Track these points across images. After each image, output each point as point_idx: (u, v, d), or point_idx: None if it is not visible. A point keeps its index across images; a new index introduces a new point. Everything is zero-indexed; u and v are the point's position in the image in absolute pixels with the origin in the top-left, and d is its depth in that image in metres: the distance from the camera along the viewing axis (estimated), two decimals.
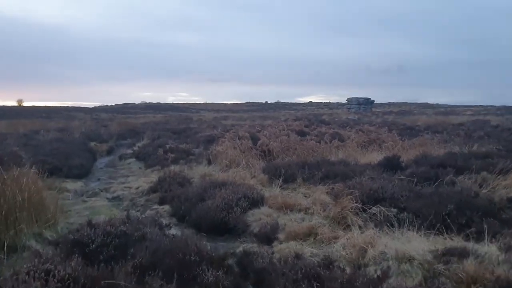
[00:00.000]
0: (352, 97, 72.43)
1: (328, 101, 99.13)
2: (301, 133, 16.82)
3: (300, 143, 15.19)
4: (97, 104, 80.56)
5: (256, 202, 7.46)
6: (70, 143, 16.46)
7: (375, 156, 11.46)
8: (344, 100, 76.43)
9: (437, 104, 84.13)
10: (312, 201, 7.70)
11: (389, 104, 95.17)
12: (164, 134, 19.98)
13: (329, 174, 9.07)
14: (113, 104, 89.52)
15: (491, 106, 72.08)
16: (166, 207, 8.65)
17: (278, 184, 9.04)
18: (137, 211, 8.91)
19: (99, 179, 12.24)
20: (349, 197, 6.80)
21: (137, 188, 10.64)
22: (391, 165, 9.71)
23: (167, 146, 15.00)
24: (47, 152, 13.18)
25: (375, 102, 75.11)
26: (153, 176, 12.02)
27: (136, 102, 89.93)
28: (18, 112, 57.85)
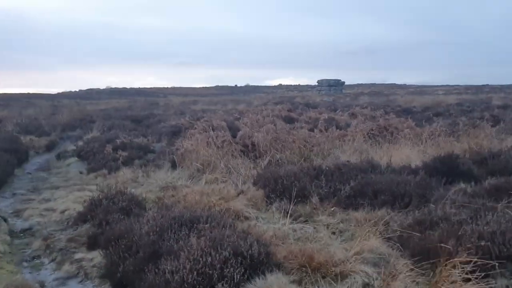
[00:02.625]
0: (323, 79, 69.54)
1: (297, 84, 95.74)
2: (289, 120, 13.15)
3: (290, 133, 11.54)
4: (60, 90, 74.33)
5: (258, 263, 3.78)
6: None
7: (407, 153, 7.92)
8: (313, 82, 73.37)
9: (405, 84, 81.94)
10: (357, 252, 4.08)
11: (358, 85, 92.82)
12: (120, 123, 15.93)
13: (364, 190, 5.46)
14: (77, 90, 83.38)
15: (456, 85, 70.32)
16: (97, 258, 4.89)
17: (283, 209, 5.38)
18: (51, 261, 5.16)
19: (14, 194, 8.25)
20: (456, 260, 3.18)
21: (63, 212, 6.78)
22: (447, 169, 6.20)
23: (118, 140, 11.04)
24: None
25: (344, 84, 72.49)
26: (93, 188, 8.17)
27: (101, 88, 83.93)
28: None
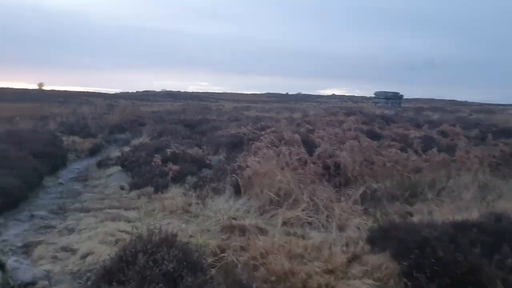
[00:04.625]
0: (380, 91, 65.94)
1: (351, 94, 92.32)
2: (372, 135, 10.56)
3: (378, 152, 9.02)
4: (118, 90, 74.78)
5: None
6: (31, 139, 10.48)
7: None
8: (367, 94, 69.92)
9: (466, 102, 76.50)
10: None
11: (415, 99, 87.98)
12: (173, 128, 13.92)
13: None
14: (135, 91, 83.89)
15: None
16: None
17: None
18: None
19: (32, 216, 6.20)
20: None
21: (85, 257, 4.61)
22: None
23: (169, 150, 8.89)
24: None
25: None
26: (133, 216, 6.05)
27: (157, 90, 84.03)
28: (35, 95, 52.62)
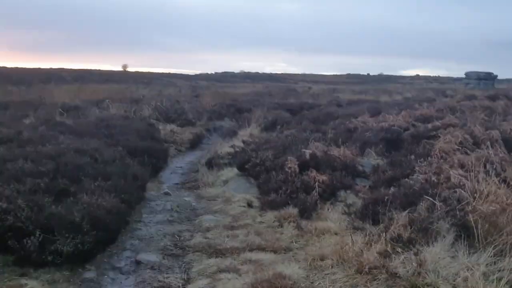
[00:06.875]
0: (471, 71, 59.48)
1: (437, 75, 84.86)
2: None
3: None
4: (197, 72, 74.19)
5: None
6: (125, 129, 8.47)
7: None
8: (454, 74, 63.34)
9: None
10: None
11: (508, 80, 78.73)
12: (280, 115, 11.40)
13: None
14: (213, 73, 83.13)
15: None
16: None
17: None
18: None
19: (138, 264, 3.93)
20: None
21: None
22: None
23: (307, 151, 6.31)
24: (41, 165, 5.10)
25: None
26: (293, 266, 3.55)
27: (235, 71, 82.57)
28: (120, 77, 53.14)
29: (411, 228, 4.07)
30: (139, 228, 4.79)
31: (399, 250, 3.76)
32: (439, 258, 3.52)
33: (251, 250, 4.13)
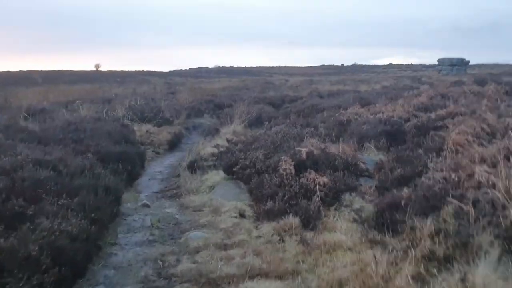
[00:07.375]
0: (444, 58, 59.97)
1: (409, 63, 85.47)
2: None
3: None
4: (171, 68, 72.58)
5: None
6: (96, 133, 7.56)
7: None
8: (426, 62, 63.90)
9: None
10: None
11: (479, 65, 79.73)
12: (264, 110, 10.64)
13: None
14: (187, 68, 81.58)
15: None
16: None
17: None
18: None
19: None
20: None
21: None
22: None
23: (304, 150, 5.58)
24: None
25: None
26: None
27: (210, 66, 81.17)
28: (93, 77, 51.24)
29: (438, 239, 3.39)
30: (115, 252, 3.97)
31: (435, 271, 3.07)
32: (489, 281, 2.85)
33: (251, 277, 3.39)
